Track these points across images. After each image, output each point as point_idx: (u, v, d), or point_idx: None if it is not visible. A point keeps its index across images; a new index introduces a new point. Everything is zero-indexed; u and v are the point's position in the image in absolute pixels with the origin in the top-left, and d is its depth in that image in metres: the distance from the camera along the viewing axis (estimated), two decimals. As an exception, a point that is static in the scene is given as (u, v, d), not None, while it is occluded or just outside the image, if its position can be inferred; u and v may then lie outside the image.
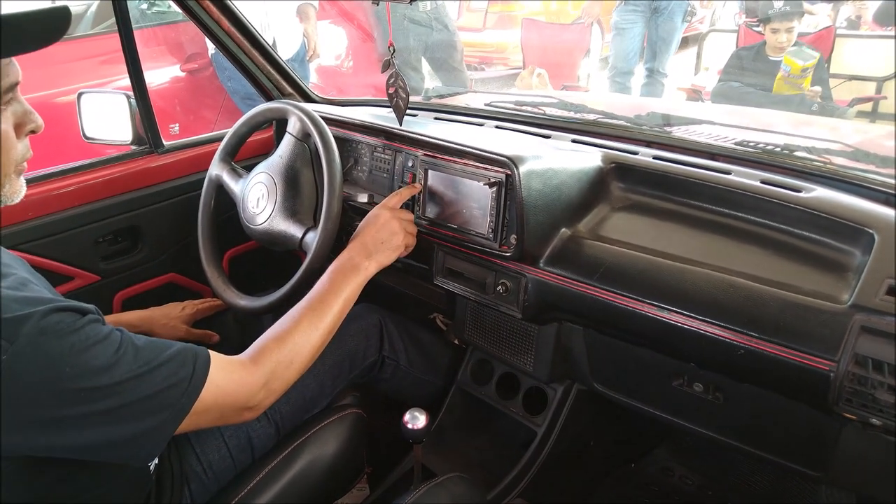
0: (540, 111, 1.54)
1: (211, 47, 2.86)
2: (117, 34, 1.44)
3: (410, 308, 1.75)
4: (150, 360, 0.81)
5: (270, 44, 1.62)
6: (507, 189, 1.18)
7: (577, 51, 4.28)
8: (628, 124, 1.45)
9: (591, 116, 1.51)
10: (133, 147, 1.55)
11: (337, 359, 1.31)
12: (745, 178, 1.18)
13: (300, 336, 1.01)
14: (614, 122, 1.47)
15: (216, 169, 1.41)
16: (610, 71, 4.28)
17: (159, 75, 3.00)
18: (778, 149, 1.32)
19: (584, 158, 1.27)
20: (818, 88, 3.19)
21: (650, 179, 1.26)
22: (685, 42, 4.69)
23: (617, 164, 1.28)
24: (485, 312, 1.44)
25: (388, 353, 1.43)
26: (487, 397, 1.48)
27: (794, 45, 3.39)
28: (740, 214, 1.16)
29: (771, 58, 3.51)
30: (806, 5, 3.47)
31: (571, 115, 1.54)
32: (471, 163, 1.22)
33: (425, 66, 3.75)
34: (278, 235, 1.28)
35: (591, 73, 5.10)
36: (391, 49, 1.12)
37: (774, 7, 3.38)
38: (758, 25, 3.55)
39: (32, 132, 0.85)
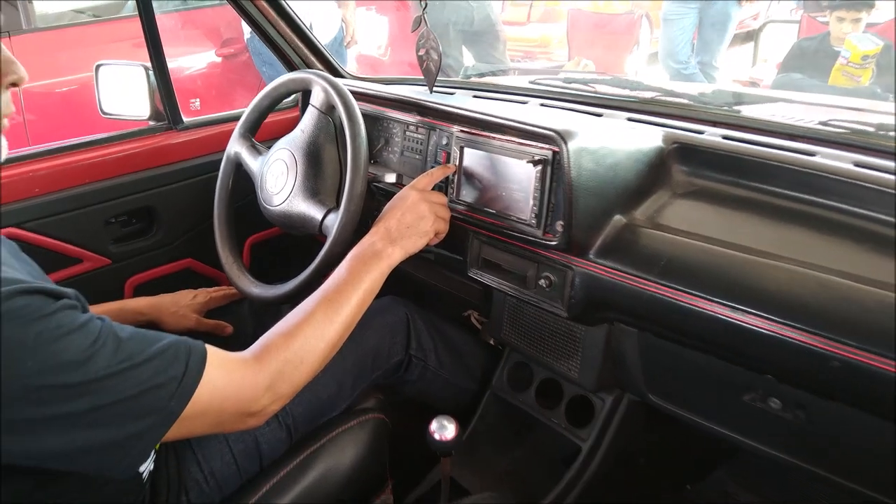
0: (590, 88, 1.38)
1: (247, 31, 2.78)
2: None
3: (442, 303, 1.61)
4: (135, 354, 0.69)
5: (307, 26, 1.51)
6: (554, 168, 1.03)
7: (626, 42, 4.08)
8: (691, 102, 1.29)
9: (648, 94, 1.35)
10: (151, 123, 1.45)
11: (358, 356, 1.18)
12: (835, 160, 1.01)
13: (312, 331, 0.88)
14: (675, 100, 1.30)
15: (235, 146, 1.30)
16: (661, 64, 4.08)
17: (195, 60, 2.95)
18: (871, 129, 1.13)
19: (643, 137, 1.12)
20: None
21: (719, 162, 1.10)
22: (736, 39, 4.45)
23: (680, 144, 1.12)
24: (524, 310, 1.29)
25: (416, 352, 1.29)
26: (525, 405, 1.32)
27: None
28: (829, 202, 0.98)
29: (836, 48, 3.28)
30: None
31: (626, 92, 1.38)
32: (512, 139, 1.08)
33: (467, 57, 3.61)
34: (297, 217, 1.16)
35: (639, 70, 4.89)
36: (423, 4, 0.98)
37: (843, -7, 3.13)
38: (823, 15, 3.30)
39: (14, 84, 0.75)
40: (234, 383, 0.79)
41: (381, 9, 3.48)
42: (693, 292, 0.94)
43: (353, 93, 1.17)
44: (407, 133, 1.33)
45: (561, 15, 5.41)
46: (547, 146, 1.03)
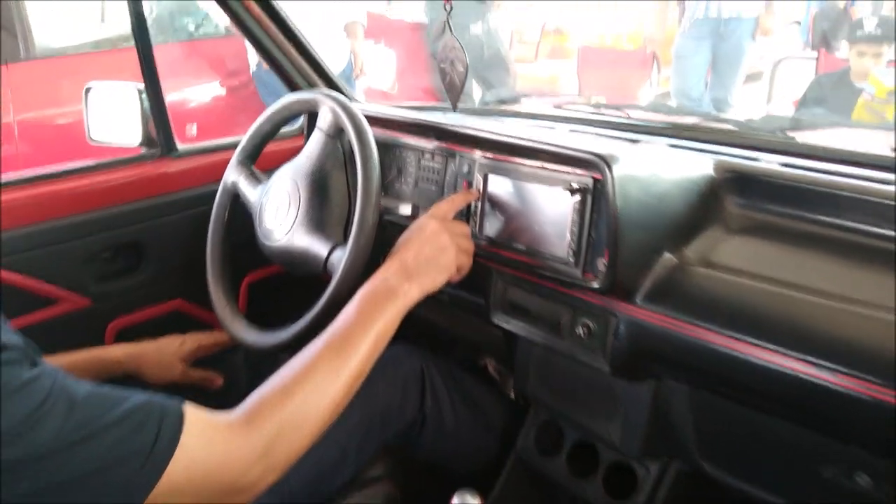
0: (623, 114, 1.26)
1: (253, 63, 2.71)
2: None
3: (455, 349, 1.46)
4: (92, 419, 0.56)
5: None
6: (595, 198, 0.90)
7: (639, 79, 4.01)
8: (738, 129, 1.16)
9: (690, 120, 1.22)
10: (143, 149, 1.33)
11: (365, 416, 1.03)
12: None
13: (314, 386, 0.74)
14: (720, 125, 1.18)
15: (233, 174, 1.17)
16: (674, 102, 3.99)
17: (199, 91, 2.86)
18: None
19: (691, 165, 0.99)
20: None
21: (780, 193, 0.96)
22: (747, 78, 4.38)
23: (735, 173, 0.99)
24: (555, 361, 1.14)
25: (431, 411, 1.14)
26: (556, 473, 1.15)
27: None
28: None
29: (856, 84, 3.19)
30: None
31: (663, 117, 1.25)
32: (546, 165, 0.95)
33: (477, 92, 3.54)
34: (299, 254, 1.02)
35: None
36: (448, 7, 0.86)
37: (864, 29, 3.05)
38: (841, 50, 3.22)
39: None
40: (218, 453, 0.64)
41: (390, 42, 3.42)
42: (764, 344, 0.80)
43: (366, 117, 1.04)
44: (422, 162, 1.21)
45: (569, 52, 5.37)
46: (587, 172, 0.90)
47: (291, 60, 1.34)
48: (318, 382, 0.75)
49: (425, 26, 3.25)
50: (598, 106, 1.28)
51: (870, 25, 2.99)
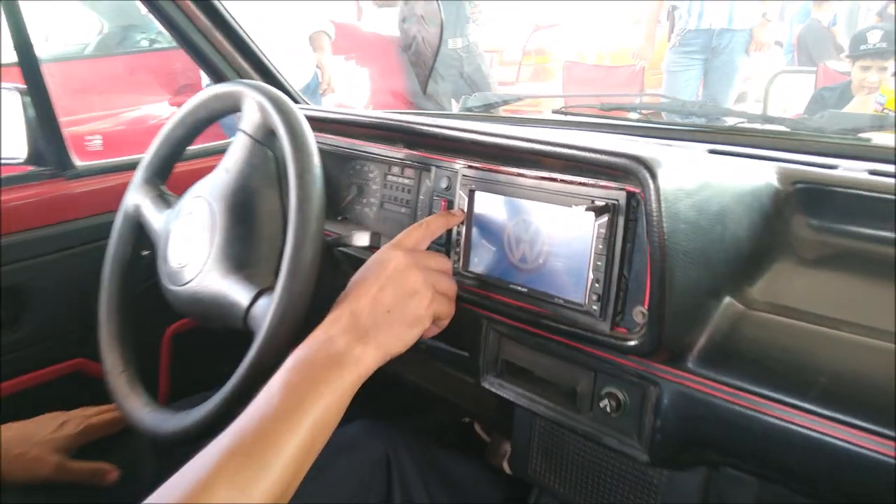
0: (642, 116, 1.00)
1: (205, 78, 2.44)
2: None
3: (431, 407, 1.19)
4: None
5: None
6: (629, 220, 0.63)
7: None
8: (796, 130, 0.90)
9: (731, 121, 0.97)
10: (31, 168, 1.04)
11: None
12: None
13: None
14: (771, 127, 0.92)
15: (135, 196, 0.88)
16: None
17: (146, 110, 2.58)
18: None
19: (748, 175, 0.73)
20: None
21: (870, 210, 0.71)
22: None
23: (806, 184, 0.73)
24: (565, 436, 0.86)
25: (401, 502, 0.85)
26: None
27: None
28: None
29: (857, 98, 3.03)
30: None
31: (697, 121, 1.00)
32: (555, 175, 0.68)
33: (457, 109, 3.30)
34: (212, 302, 0.73)
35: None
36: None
37: (868, 42, 2.88)
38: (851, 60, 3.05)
39: None
40: None
41: (362, 60, 3.18)
42: (869, 427, 0.53)
43: (310, 119, 0.77)
44: (388, 177, 0.94)
45: (551, 73, 5.20)
46: (617, 184, 0.63)
47: (220, 50, 1.05)
48: (221, 499, 0.50)
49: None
50: (607, 107, 1.01)
51: (874, 38, 2.82)
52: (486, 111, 1.20)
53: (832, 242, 0.73)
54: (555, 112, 1.10)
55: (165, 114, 2.68)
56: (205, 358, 1.13)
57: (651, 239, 0.59)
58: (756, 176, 0.73)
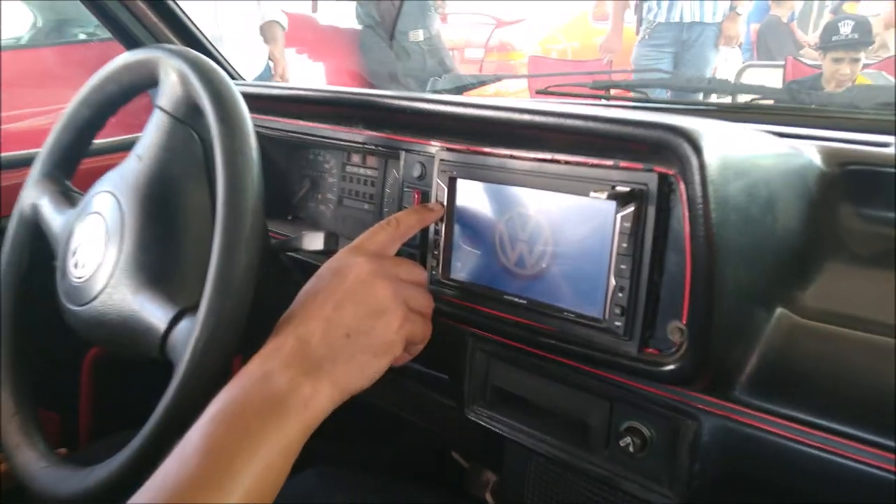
0: (644, 95, 0.87)
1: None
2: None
3: (400, 432, 1.05)
4: None
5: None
6: (662, 210, 0.49)
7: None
8: (826, 107, 0.78)
9: (746, 96, 0.84)
10: None
11: None
12: None
13: None
14: (797, 104, 0.79)
15: (32, 194, 0.71)
16: (633, 114, 3.72)
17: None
18: None
19: (791, 153, 0.59)
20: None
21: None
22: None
23: (857, 164, 0.60)
24: (571, 476, 0.71)
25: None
26: None
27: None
28: None
29: (828, 91, 2.99)
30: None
31: (700, 96, 0.87)
32: (559, 157, 0.54)
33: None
34: (122, 326, 0.57)
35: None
36: None
37: (840, 34, 2.84)
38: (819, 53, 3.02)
39: None
40: None
41: (318, 53, 3.00)
42: None
43: (249, 96, 0.61)
44: (347, 167, 0.78)
45: (515, 70, 5.09)
46: (643, 165, 0.49)
47: (132, 10, 0.87)
48: None
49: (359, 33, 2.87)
50: (599, 86, 0.87)
51: (846, 29, 2.78)
52: (460, 94, 1.05)
53: (888, 235, 0.60)
54: (539, 93, 0.96)
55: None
56: (133, 387, 0.95)
57: (695, 232, 0.45)
58: (800, 156, 0.60)
